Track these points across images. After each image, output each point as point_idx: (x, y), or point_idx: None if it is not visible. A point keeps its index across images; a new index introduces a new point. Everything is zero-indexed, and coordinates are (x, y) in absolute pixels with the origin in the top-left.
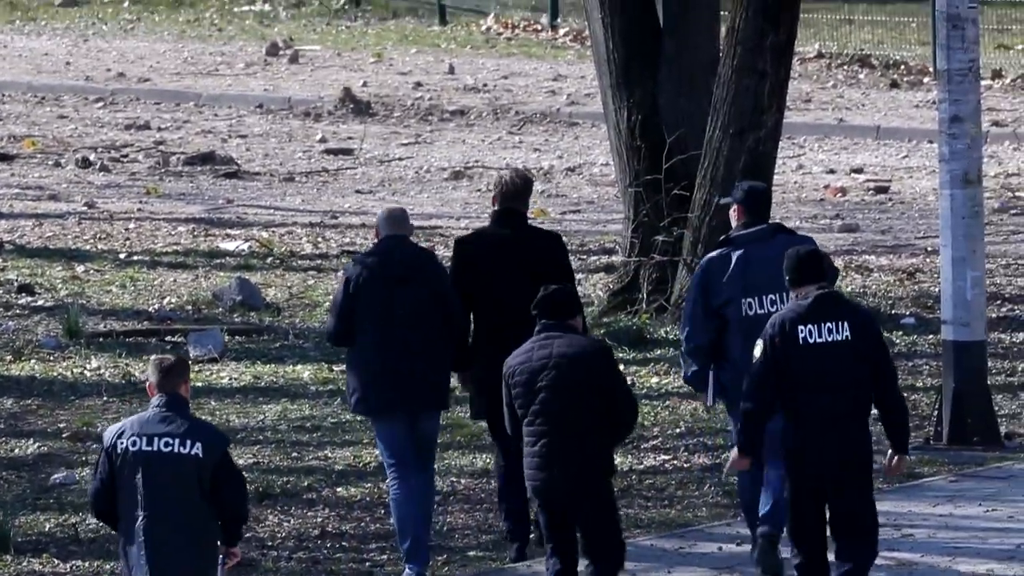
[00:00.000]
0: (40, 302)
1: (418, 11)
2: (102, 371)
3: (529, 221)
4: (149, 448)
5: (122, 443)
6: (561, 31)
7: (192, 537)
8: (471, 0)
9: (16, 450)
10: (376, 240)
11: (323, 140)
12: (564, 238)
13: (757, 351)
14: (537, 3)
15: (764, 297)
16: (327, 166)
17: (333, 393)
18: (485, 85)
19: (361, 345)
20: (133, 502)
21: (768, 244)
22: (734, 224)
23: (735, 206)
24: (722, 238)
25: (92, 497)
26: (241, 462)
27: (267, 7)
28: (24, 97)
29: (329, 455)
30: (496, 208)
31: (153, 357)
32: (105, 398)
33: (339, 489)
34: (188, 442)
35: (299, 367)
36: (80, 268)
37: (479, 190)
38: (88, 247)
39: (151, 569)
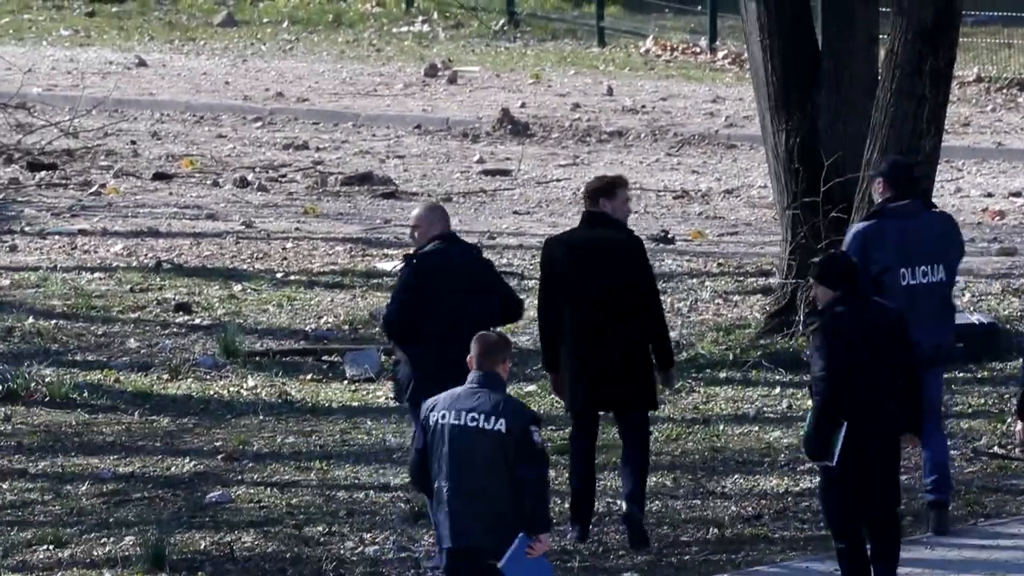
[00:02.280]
0: (197, 321)
1: (577, 33)
2: (258, 390)
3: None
4: (456, 422)
5: (433, 416)
6: (720, 53)
7: (490, 510)
8: (630, 22)
9: (172, 468)
10: (426, 239)
11: (481, 161)
12: (721, 260)
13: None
14: (696, 25)
15: (918, 268)
16: (484, 187)
17: None
18: (643, 107)
19: (420, 342)
20: (440, 472)
21: (918, 218)
22: (877, 198)
23: (880, 180)
24: (872, 210)
25: (409, 466)
26: (396, 481)
27: (426, 28)
28: (183, 117)
29: None
30: (585, 209)
31: (479, 333)
32: (261, 417)
33: None
34: (493, 418)
35: None
36: (237, 287)
37: (637, 212)
38: (245, 266)
39: (451, 537)
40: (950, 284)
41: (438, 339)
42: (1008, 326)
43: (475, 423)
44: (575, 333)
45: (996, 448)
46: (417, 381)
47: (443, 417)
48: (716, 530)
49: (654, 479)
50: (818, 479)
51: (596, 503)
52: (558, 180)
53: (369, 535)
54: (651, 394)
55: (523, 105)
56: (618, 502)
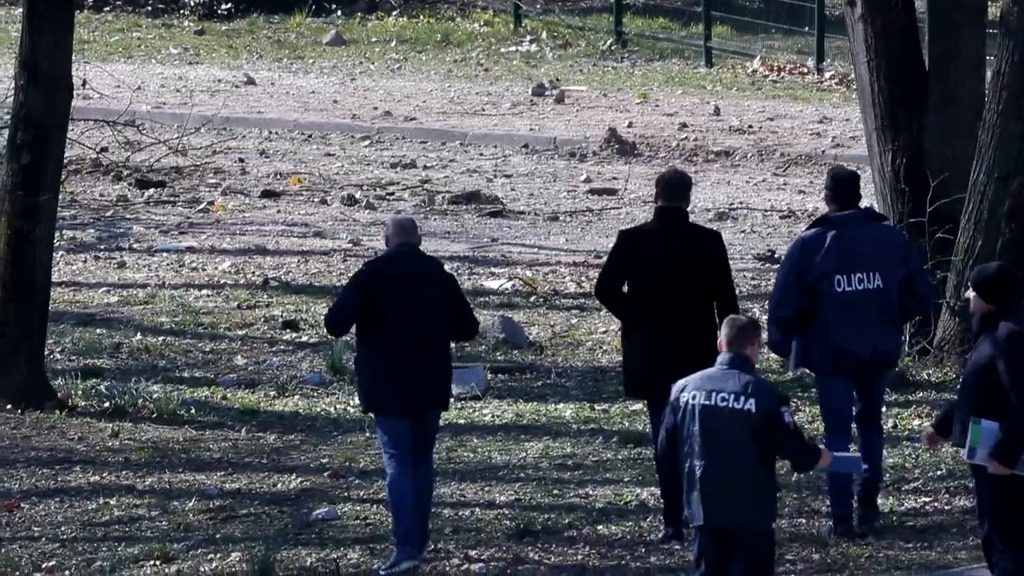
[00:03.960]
0: (304, 338)
1: (684, 52)
2: None
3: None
4: (707, 402)
5: (684, 397)
6: (827, 74)
7: (741, 489)
8: (737, 42)
9: (279, 485)
10: (388, 248)
11: (588, 180)
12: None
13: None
14: (803, 46)
15: (853, 275)
16: (591, 206)
17: (595, 432)
18: (750, 127)
19: (374, 345)
20: (691, 452)
21: (858, 227)
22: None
23: (827, 192)
24: (815, 219)
25: (657, 448)
26: (502, 499)
27: (534, 48)
28: (291, 135)
29: (590, 493)
30: (660, 204)
31: (729, 316)
32: (368, 434)
33: (599, 527)
34: (743, 398)
35: (561, 405)
36: None
37: (743, 231)
38: None
39: (704, 514)
40: (889, 292)
41: (390, 343)
42: None
43: (725, 403)
44: (644, 323)
45: None
46: (367, 385)
47: (693, 398)
48: (821, 549)
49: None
50: (923, 499)
51: None
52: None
53: (475, 552)
54: None
55: (630, 125)
56: None
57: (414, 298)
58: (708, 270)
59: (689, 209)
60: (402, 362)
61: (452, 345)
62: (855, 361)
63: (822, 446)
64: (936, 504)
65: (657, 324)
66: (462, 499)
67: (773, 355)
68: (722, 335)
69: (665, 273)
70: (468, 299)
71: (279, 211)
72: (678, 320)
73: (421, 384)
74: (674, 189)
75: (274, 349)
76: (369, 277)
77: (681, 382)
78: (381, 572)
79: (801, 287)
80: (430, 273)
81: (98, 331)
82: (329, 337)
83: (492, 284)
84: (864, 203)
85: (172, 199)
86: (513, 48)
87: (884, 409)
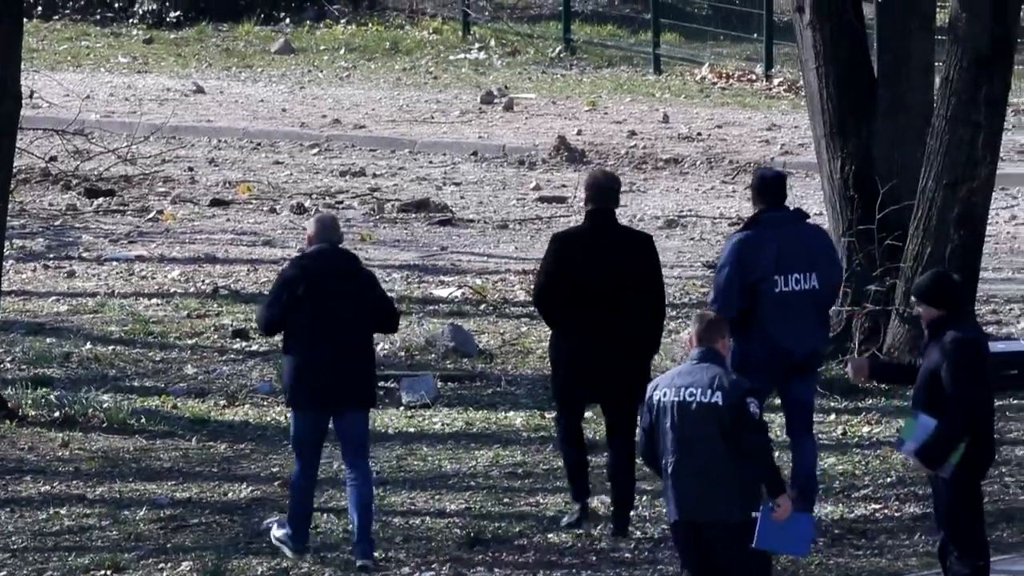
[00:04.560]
0: (255, 347)
1: (633, 60)
2: None
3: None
4: (676, 398)
5: (656, 395)
6: (775, 81)
7: (711, 483)
8: (686, 50)
9: (229, 494)
10: (309, 246)
11: (537, 188)
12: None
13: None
14: (752, 53)
15: (791, 276)
16: (541, 214)
17: (545, 440)
18: (699, 134)
19: (296, 343)
20: (665, 449)
21: (792, 227)
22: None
23: (754, 192)
24: (748, 220)
25: (638, 446)
26: (452, 507)
27: (482, 55)
28: (240, 143)
29: (540, 501)
30: (590, 208)
31: (697, 311)
32: None
33: (550, 535)
34: (709, 391)
35: (511, 413)
36: None
37: (692, 239)
38: None
39: (677, 508)
40: (824, 293)
41: (312, 340)
42: None
43: (692, 397)
44: (574, 325)
45: None
46: (291, 380)
47: (664, 395)
48: (773, 556)
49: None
50: (873, 506)
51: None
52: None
53: (425, 561)
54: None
55: (579, 132)
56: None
57: (336, 295)
58: (640, 273)
59: (639, 217)
60: (322, 359)
61: (385, 346)
62: (790, 360)
63: (779, 499)
64: (886, 511)
65: (589, 327)
66: (412, 508)
67: None
68: (691, 331)
69: (598, 276)
70: (417, 306)
71: (228, 220)
72: (609, 323)
73: (340, 382)
74: (604, 192)
75: (224, 358)
76: (293, 275)
77: (655, 381)
78: (272, 530)
79: (742, 288)
80: (351, 270)
81: (48, 340)
82: (267, 340)
83: (442, 292)
84: (792, 205)
85: (121, 208)
86: (462, 56)
87: (834, 417)
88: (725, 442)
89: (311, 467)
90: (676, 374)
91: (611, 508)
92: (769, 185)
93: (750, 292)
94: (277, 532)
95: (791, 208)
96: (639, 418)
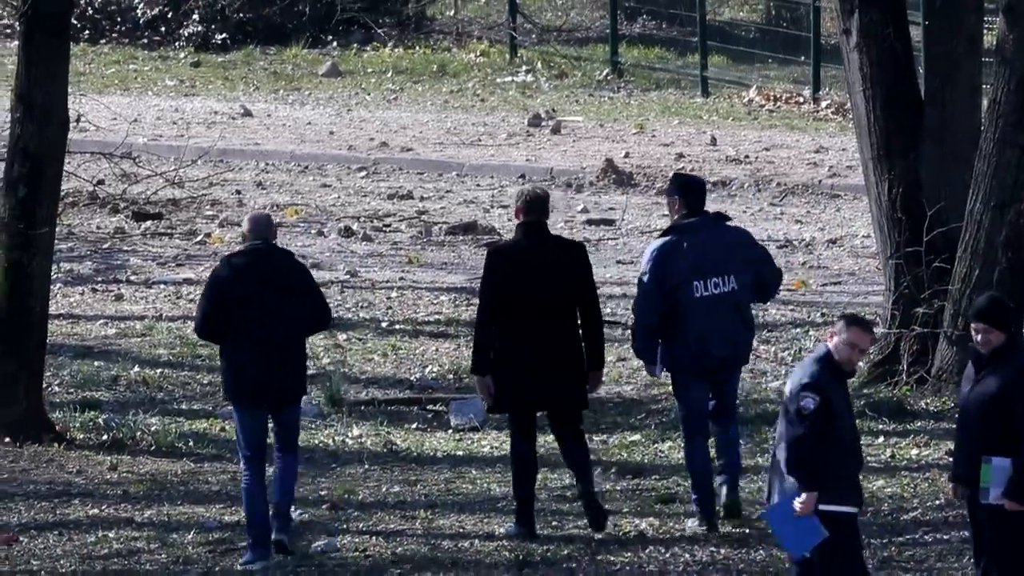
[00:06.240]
0: None
1: (680, 83)
2: (363, 439)
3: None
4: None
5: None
6: (823, 103)
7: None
8: (734, 72)
9: None
10: (244, 244)
11: (584, 210)
12: (824, 310)
13: None
14: (799, 76)
15: (709, 280)
16: (589, 236)
17: (593, 463)
18: (747, 156)
19: (232, 341)
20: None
21: (709, 231)
22: (673, 216)
23: (675, 198)
24: (667, 227)
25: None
26: (500, 531)
27: (530, 78)
28: (288, 166)
29: (589, 524)
30: (521, 220)
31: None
32: (366, 466)
33: (599, 558)
34: (789, 381)
35: None
36: (342, 336)
37: None
38: (350, 315)
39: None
40: (743, 293)
41: (248, 337)
42: None
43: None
44: (514, 336)
45: None
46: (229, 378)
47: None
48: None
49: (758, 530)
50: (922, 529)
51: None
52: (662, 230)
53: None
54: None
55: (627, 155)
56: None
57: (267, 293)
58: (573, 282)
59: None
60: (257, 357)
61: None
62: (715, 361)
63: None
64: (936, 534)
65: (526, 338)
66: (461, 531)
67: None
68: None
69: (532, 286)
70: (465, 329)
71: (276, 243)
72: (546, 333)
73: (275, 379)
74: (534, 204)
75: None
76: (223, 274)
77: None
78: (237, 566)
79: (661, 294)
80: (283, 268)
81: (96, 363)
82: (314, 364)
83: None
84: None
85: (169, 231)
86: (509, 78)
87: (882, 440)
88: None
89: (259, 466)
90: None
91: (581, 502)
92: (689, 192)
93: (670, 297)
94: (243, 561)
95: (710, 212)
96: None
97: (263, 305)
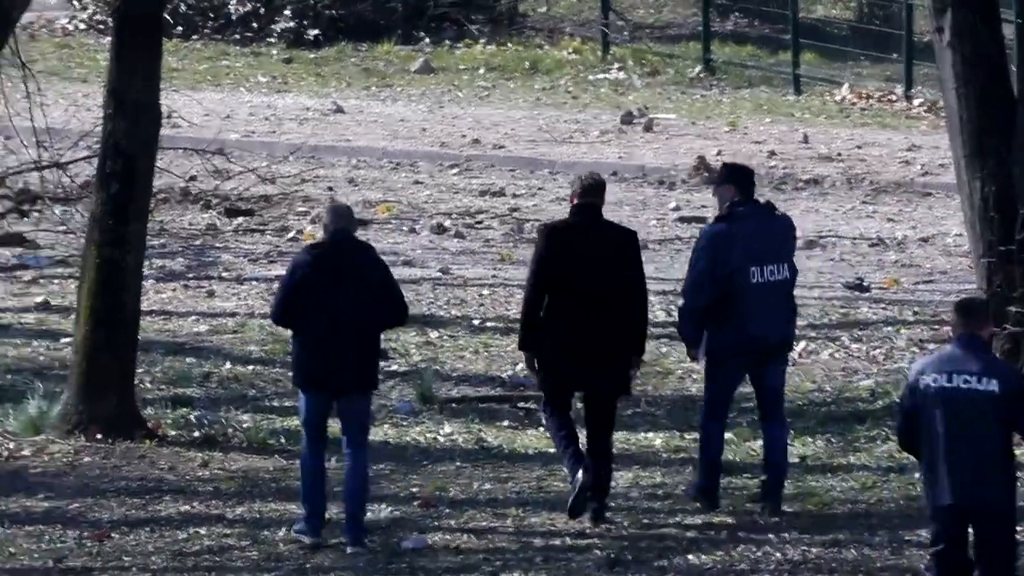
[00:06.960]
0: (394, 367)
1: (773, 81)
2: (455, 436)
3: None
4: (948, 384)
5: (924, 380)
6: (915, 101)
7: (987, 467)
8: (826, 70)
9: (369, 514)
10: (324, 235)
11: (677, 208)
12: (916, 308)
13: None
14: (892, 73)
15: (765, 267)
16: (680, 234)
17: (685, 461)
18: (839, 154)
19: (303, 329)
20: (934, 434)
21: (764, 220)
22: (722, 204)
23: (730, 186)
24: (720, 214)
25: (896, 429)
26: (592, 528)
27: (622, 76)
28: (380, 163)
29: (681, 522)
30: (576, 203)
31: (960, 299)
32: (458, 463)
33: (690, 556)
34: (985, 379)
35: (651, 434)
36: (434, 334)
37: (832, 259)
38: (442, 313)
39: (944, 495)
40: (792, 282)
41: (318, 325)
42: None
43: (968, 384)
44: (558, 314)
45: None
46: (296, 364)
47: (934, 380)
48: None
49: (849, 531)
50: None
51: None
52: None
53: None
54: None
55: (719, 152)
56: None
57: (341, 284)
58: (621, 267)
59: None
60: (324, 346)
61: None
62: (763, 347)
63: None
64: None
65: (569, 318)
66: (552, 528)
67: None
68: (953, 318)
69: (579, 266)
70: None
71: (368, 239)
72: (589, 315)
73: (339, 368)
74: (590, 188)
75: None
76: (303, 262)
77: (919, 364)
78: (293, 532)
79: (714, 279)
80: (362, 259)
81: (188, 360)
82: (407, 361)
83: None
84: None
85: (261, 228)
86: (601, 76)
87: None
88: (1007, 428)
89: (318, 444)
90: (942, 359)
91: (577, 493)
92: (743, 179)
93: (724, 283)
94: (295, 527)
95: (762, 201)
96: (898, 400)
97: (335, 296)
